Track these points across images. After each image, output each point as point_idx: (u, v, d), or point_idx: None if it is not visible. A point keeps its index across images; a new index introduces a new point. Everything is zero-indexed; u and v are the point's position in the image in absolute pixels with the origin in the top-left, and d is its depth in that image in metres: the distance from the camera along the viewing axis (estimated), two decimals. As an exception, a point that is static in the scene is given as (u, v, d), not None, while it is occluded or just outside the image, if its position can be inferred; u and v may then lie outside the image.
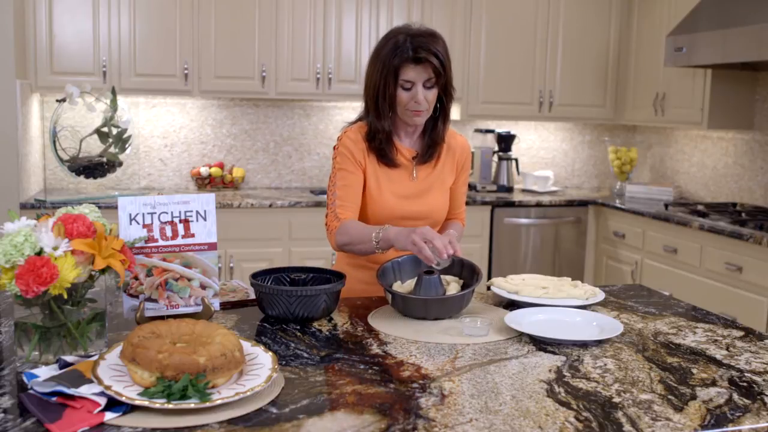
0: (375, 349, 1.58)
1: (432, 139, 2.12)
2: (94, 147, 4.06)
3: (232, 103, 4.61)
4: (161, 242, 1.65)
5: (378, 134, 2.06)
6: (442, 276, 1.88)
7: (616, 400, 1.32)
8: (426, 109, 2.02)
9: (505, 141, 4.92)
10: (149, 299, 1.65)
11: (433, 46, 1.95)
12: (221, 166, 4.53)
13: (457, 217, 2.28)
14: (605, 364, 1.51)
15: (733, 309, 3.49)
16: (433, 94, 2.01)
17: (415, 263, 1.98)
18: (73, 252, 1.38)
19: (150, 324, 1.39)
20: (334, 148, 2.13)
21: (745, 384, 1.42)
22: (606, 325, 1.73)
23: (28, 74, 3.92)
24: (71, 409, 1.20)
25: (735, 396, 1.35)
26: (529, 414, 1.25)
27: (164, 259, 1.66)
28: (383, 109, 2.03)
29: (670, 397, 1.34)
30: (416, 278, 1.87)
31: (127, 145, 4.09)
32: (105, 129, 4.00)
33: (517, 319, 1.75)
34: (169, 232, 1.66)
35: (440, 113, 2.10)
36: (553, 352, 1.58)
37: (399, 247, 1.87)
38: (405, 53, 1.95)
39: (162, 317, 1.63)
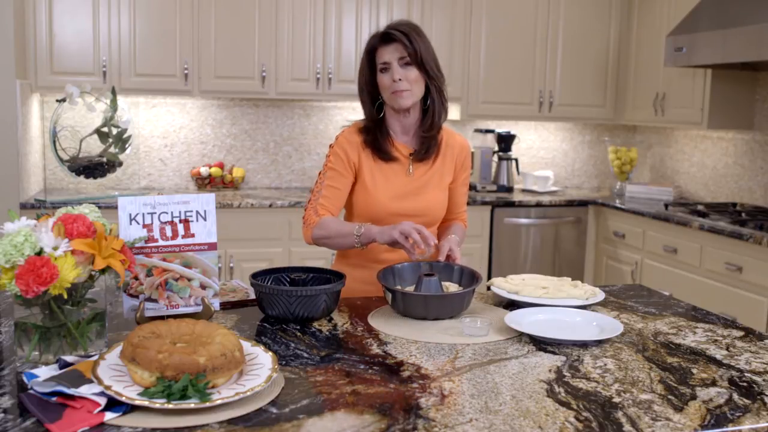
0: (375, 349, 1.58)
1: (426, 129, 2.11)
2: (94, 147, 4.06)
3: (232, 103, 4.61)
4: (161, 242, 1.65)
5: (371, 124, 2.11)
6: (442, 282, 1.89)
7: (616, 400, 1.32)
8: (408, 89, 2.03)
9: (505, 141, 4.92)
10: (149, 299, 1.65)
11: (399, 26, 2.05)
12: (221, 166, 4.53)
13: (458, 218, 2.28)
14: (605, 364, 1.51)
15: (733, 309, 3.49)
16: (413, 74, 2.03)
17: (415, 270, 1.98)
18: (73, 252, 1.38)
19: (150, 324, 1.39)
20: (330, 146, 2.14)
21: (745, 384, 1.42)
22: (606, 325, 1.73)
23: (28, 74, 3.92)
24: (71, 409, 1.20)
25: (735, 396, 1.35)
26: (529, 414, 1.25)
27: (164, 259, 1.66)
28: (365, 99, 2.11)
29: (670, 397, 1.34)
30: (416, 282, 1.88)
31: (127, 145, 4.09)
32: (105, 129, 4.00)
33: (517, 319, 1.75)
34: (169, 232, 1.66)
35: (430, 103, 2.10)
36: (553, 352, 1.58)
37: (381, 241, 1.93)
38: (375, 37, 2.06)
39: (162, 317, 1.63)
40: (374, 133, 2.10)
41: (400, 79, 2.01)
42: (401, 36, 2.01)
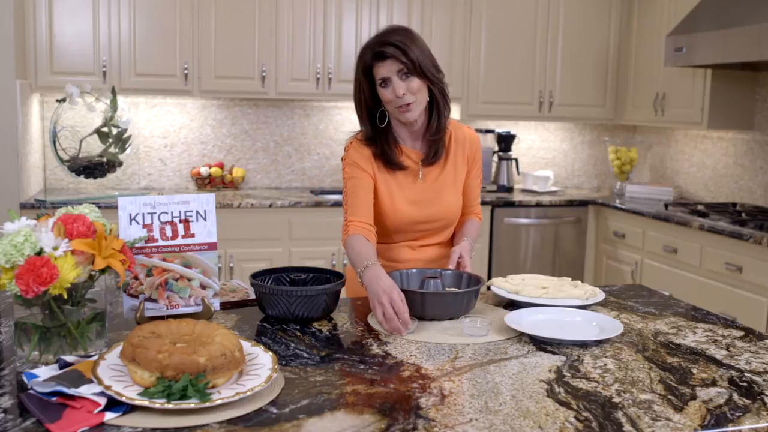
0: (375, 349, 1.58)
1: (433, 132, 2.06)
2: (94, 147, 4.06)
3: (232, 103, 4.61)
4: (161, 242, 1.65)
5: (371, 139, 2.06)
6: (446, 288, 1.89)
7: (616, 400, 1.32)
8: (413, 102, 1.97)
9: (505, 141, 4.92)
10: (149, 299, 1.65)
11: (390, 38, 1.95)
12: (221, 166, 4.53)
13: (472, 213, 2.24)
14: (605, 364, 1.51)
15: (733, 309, 3.49)
16: (416, 84, 1.96)
17: (422, 277, 1.97)
18: (73, 252, 1.38)
19: (150, 324, 1.39)
20: (342, 159, 2.12)
21: (745, 384, 1.42)
22: (606, 325, 1.73)
23: (28, 74, 3.92)
24: (71, 409, 1.20)
25: (735, 396, 1.35)
26: (529, 414, 1.25)
27: (164, 259, 1.66)
28: (361, 114, 2.06)
29: (670, 397, 1.34)
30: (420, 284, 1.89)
31: (127, 145, 4.10)
32: (105, 129, 4.00)
33: (517, 319, 1.75)
34: (169, 232, 1.66)
35: (434, 105, 2.04)
36: (553, 352, 1.58)
37: (370, 290, 1.77)
38: (368, 54, 1.97)
39: (162, 317, 1.63)
40: (381, 145, 2.05)
41: (404, 94, 1.95)
42: (395, 51, 1.93)
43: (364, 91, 2.01)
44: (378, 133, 2.06)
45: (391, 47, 1.94)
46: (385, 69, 1.96)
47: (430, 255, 2.15)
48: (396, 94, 1.95)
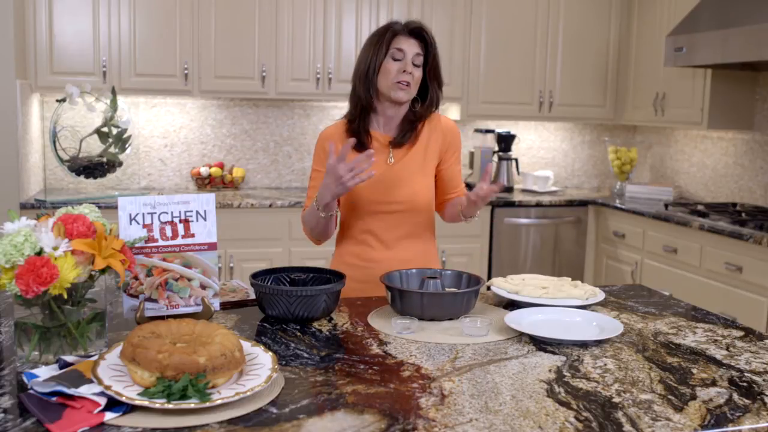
0: (375, 349, 1.58)
1: (410, 117, 2.15)
2: (94, 147, 4.06)
3: (232, 103, 4.61)
4: (161, 242, 1.65)
5: (356, 108, 2.11)
6: (446, 288, 1.90)
7: (616, 400, 1.32)
8: (412, 84, 2.07)
9: (505, 141, 4.92)
10: (149, 299, 1.65)
11: (425, 27, 2.11)
12: (221, 166, 4.53)
13: (459, 194, 2.25)
14: (605, 364, 1.51)
15: (733, 309, 3.49)
16: (418, 74, 2.08)
17: (422, 276, 1.98)
18: (73, 252, 1.38)
19: (150, 324, 1.39)
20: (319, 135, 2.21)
21: (745, 384, 1.42)
22: (606, 325, 1.73)
23: (28, 74, 3.92)
24: (71, 409, 1.20)
25: (735, 396, 1.35)
26: (529, 414, 1.25)
27: (164, 259, 1.66)
28: (367, 83, 2.08)
29: (670, 397, 1.34)
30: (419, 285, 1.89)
31: (127, 145, 4.10)
32: (105, 129, 4.00)
33: (517, 319, 1.75)
34: (169, 232, 1.66)
35: (423, 100, 2.14)
36: (553, 352, 1.58)
37: (332, 197, 1.93)
38: (399, 26, 2.10)
39: (162, 317, 1.63)
40: (358, 126, 2.12)
41: (411, 72, 2.05)
42: (426, 36, 2.08)
43: (380, 54, 2.06)
44: (361, 111, 2.12)
45: (425, 34, 2.09)
46: (408, 45, 2.07)
47: (405, 255, 2.16)
48: (405, 69, 2.04)
